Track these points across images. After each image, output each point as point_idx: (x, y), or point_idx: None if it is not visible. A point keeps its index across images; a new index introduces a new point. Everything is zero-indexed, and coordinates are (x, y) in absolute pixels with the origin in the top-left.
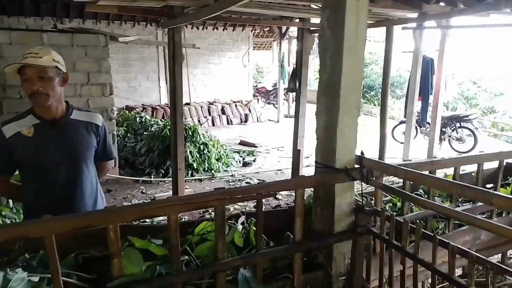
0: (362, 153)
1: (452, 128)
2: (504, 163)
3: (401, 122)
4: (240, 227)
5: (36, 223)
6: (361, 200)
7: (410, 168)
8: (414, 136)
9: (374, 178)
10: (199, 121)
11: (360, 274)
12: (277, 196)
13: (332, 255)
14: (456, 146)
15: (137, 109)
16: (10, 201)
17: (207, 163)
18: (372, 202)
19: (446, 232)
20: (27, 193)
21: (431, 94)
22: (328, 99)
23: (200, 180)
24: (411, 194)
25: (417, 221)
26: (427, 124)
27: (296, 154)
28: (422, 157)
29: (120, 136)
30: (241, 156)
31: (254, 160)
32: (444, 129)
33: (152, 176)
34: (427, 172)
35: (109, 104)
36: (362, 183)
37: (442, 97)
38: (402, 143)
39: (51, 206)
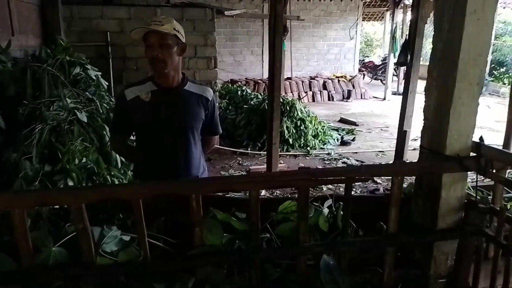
0: (481, 139)
1: None
2: None
3: None
4: (326, 210)
5: (123, 186)
6: (474, 195)
7: None
8: None
9: (494, 171)
10: (299, 96)
11: (466, 279)
12: (376, 179)
13: (432, 254)
14: None
15: (240, 83)
16: (119, 162)
17: (303, 139)
18: (490, 198)
19: None
20: (139, 155)
21: None
22: (442, 72)
23: (295, 156)
24: None
25: None
26: None
27: (402, 136)
28: None
29: (222, 108)
30: (339, 134)
31: (353, 139)
32: None
33: (249, 149)
34: None
35: (213, 76)
36: (478, 175)
37: None
38: None
39: (157, 170)
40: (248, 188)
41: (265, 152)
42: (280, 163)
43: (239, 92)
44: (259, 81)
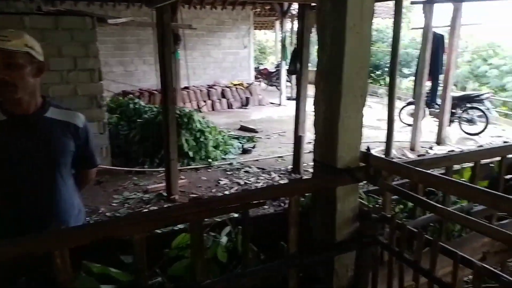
0: (368, 149)
1: (463, 109)
2: None
3: (409, 103)
4: (225, 239)
5: None
6: (367, 204)
7: (426, 163)
8: (423, 118)
9: (383, 179)
10: (198, 105)
11: (365, 287)
12: None
13: (333, 268)
14: (467, 128)
15: (133, 95)
16: None
17: (204, 151)
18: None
19: (463, 234)
20: None
21: (441, 73)
22: (329, 86)
23: (197, 169)
24: (425, 200)
25: (431, 224)
26: (436, 105)
27: (297, 140)
28: (430, 140)
29: (113, 123)
30: (240, 143)
31: (253, 147)
32: (453, 110)
33: (145, 166)
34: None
35: (98, 90)
36: (369, 184)
37: (452, 76)
38: (409, 125)
39: (18, 222)
40: (130, 232)
41: (164, 169)
42: (181, 178)
43: (131, 105)
44: (154, 91)
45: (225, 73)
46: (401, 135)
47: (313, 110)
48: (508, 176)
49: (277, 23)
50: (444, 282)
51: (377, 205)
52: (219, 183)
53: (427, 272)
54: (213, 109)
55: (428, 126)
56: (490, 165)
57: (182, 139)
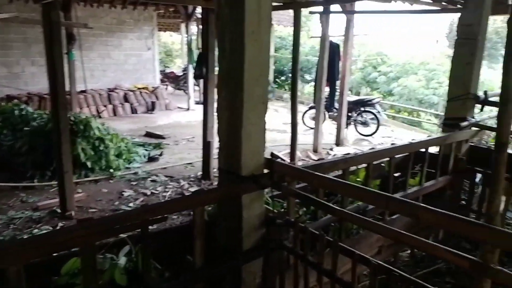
0: (272, 155)
1: (357, 112)
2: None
3: (311, 108)
4: (123, 260)
5: None
6: (272, 210)
7: (325, 167)
8: (323, 121)
9: (286, 184)
10: (97, 110)
11: None
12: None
13: (241, 277)
14: (361, 130)
15: (20, 99)
16: None
17: (105, 160)
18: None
19: (361, 231)
20: None
21: (337, 79)
22: (230, 93)
23: (96, 181)
24: (324, 203)
25: (332, 224)
26: (334, 109)
27: (206, 146)
28: (331, 142)
29: None
30: (146, 150)
31: (160, 154)
32: (349, 114)
33: (35, 180)
34: (340, 171)
35: None
36: (273, 189)
37: (348, 82)
38: (312, 128)
39: None
40: (3, 264)
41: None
42: (78, 192)
43: (16, 112)
44: (45, 96)
45: (127, 76)
46: (305, 137)
47: (217, 117)
48: (397, 174)
49: (183, 26)
50: (344, 281)
51: (282, 210)
52: (122, 194)
53: (329, 273)
54: (115, 115)
55: (329, 128)
56: (382, 165)
57: (78, 148)
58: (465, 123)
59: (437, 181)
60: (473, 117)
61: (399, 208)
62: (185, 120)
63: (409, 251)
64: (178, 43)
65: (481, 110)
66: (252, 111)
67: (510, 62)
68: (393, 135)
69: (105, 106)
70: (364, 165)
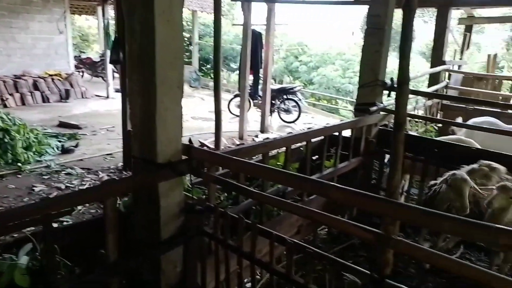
0: (190, 141)
1: (280, 100)
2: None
3: (236, 96)
4: (25, 259)
5: None
6: (191, 196)
7: (244, 151)
8: (248, 109)
9: (206, 170)
10: (1, 99)
11: (194, 280)
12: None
13: (160, 267)
14: (285, 117)
15: None
16: None
17: (11, 154)
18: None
19: (281, 213)
20: None
21: (261, 68)
22: (142, 76)
23: (1, 176)
24: (244, 187)
25: (254, 207)
26: (259, 97)
27: (127, 135)
28: (256, 129)
29: None
30: (60, 141)
31: (76, 145)
32: (273, 101)
33: None
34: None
35: None
36: (192, 176)
37: (271, 71)
38: (237, 116)
39: None
40: None
41: None
42: None
43: None
44: None
45: (36, 62)
46: (231, 125)
47: (128, 102)
48: (315, 157)
49: (99, 9)
50: (263, 262)
51: (204, 196)
52: (33, 190)
53: (249, 255)
54: (23, 104)
55: (254, 116)
56: (301, 148)
57: None
58: (374, 108)
59: (350, 162)
60: (381, 102)
61: (310, 188)
62: (104, 109)
63: (326, 229)
64: (95, 27)
65: (389, 95)
66: (167, 96)
67: (406, 45)
68: (313, 121)
69: (10, 94)
70: (284, 149)
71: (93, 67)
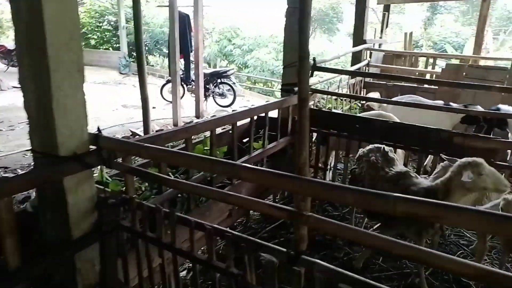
0: (98, 130)
1: (214, 84)
2: (255, 118)
3: (168, 81)
4: None
5: None
6: (104, 189)
7: (163, 138)
8: (182, 95)
9: (120, 161)
10: None
11: (115, 276)
12: None
13: (75, 267)
14: (220, 101)
15: None
16: None
17: None
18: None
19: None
20: None
21: (191, 51)
22: (34, 61)
23: None
24: (163, 176)
25: (180, 195)
26: (192, 82)
27: None
28: (191, 115)
29: None
30: None
31: None
32: (207, 86)
33: None
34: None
35: None
36: (104, 168)
37: (202, 54)
38: (171, 102)
39: None
40: None
41: None
42: None
43: None
44: None
45: None
46: (165, 112)
47: (21, 90)
48: (245, 140)
49: None
50: (184, 251)
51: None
52: None
53: (169, 246)
54: None
55: (189, 102)
56: (230, 132)
57: None
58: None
59: (278, 142)
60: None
61: (222, 170)
62: (22, 102)
63: None
64: (9, 12)
65: (311, 75)
66: (65, 80)
67: (304, 20)
68: (248, 104)
69: None
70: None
71: (9, 56)
